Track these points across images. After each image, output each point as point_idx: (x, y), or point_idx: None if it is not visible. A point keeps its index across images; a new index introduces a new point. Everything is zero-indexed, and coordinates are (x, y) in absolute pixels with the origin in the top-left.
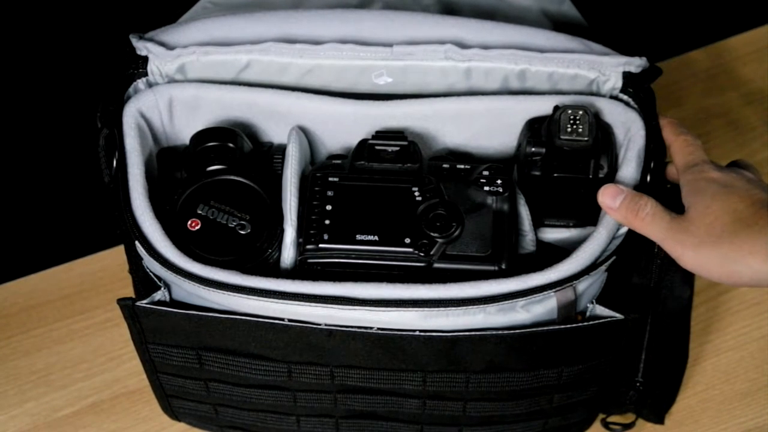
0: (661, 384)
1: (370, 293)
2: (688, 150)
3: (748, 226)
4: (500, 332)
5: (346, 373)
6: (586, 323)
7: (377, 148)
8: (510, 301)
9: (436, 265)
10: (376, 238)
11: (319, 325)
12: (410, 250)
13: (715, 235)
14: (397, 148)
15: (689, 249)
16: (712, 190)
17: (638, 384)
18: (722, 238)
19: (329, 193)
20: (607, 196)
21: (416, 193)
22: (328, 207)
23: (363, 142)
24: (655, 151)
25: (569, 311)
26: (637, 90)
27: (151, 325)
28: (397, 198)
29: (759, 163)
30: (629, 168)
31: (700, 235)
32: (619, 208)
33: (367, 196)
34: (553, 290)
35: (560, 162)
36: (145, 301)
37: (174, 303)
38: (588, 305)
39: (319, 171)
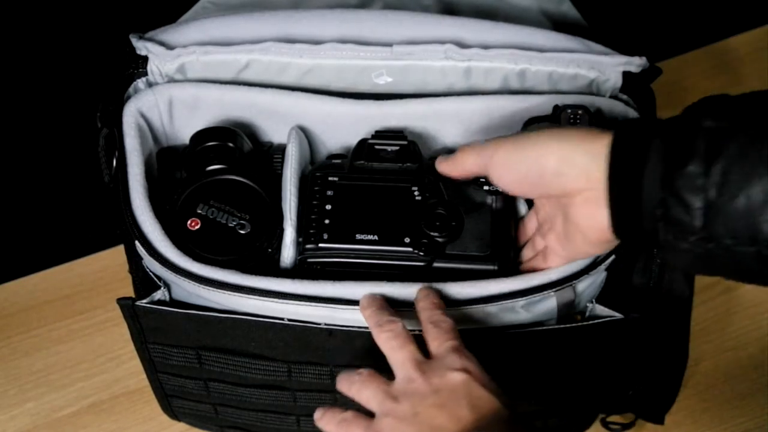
0: (661, 384)
1: (370, 293)
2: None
3: None
4: (500, 331)
5: None
6: (585, 323)
7: (377, 147)
8: (510, 300)
9: (435, 264)
10: (376, 237)
11: (319, 324)
12: (410, 249)
13: None
14: (397, 148)
15: None
16: None
17: (638, 384)
18: None
19: (329, 193)
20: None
21: (416, 193)
22: (328, 206)
23: (363, 142)
24: None
25: (569, 311)
26: (636, 90)
27: (151, 325)
28: (396, 197)
29: None
30: None
31: None
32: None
33: (366, 196)
34: (553, 290)
35: None
36: (145, 301)
37: (174, 303)
38: (588, 305)
39: (319, 170)
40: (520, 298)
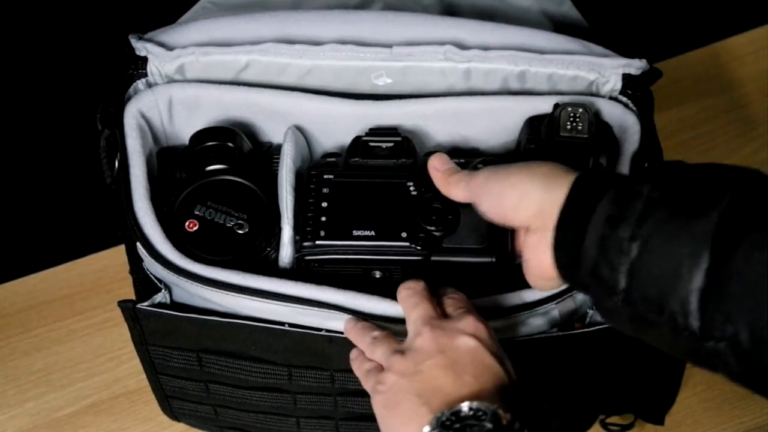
0: (661, 384)
1: (372, 306)
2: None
3: None
4: (504, 339)
5: (347, 377)
6: (586, 329)
7: (371, 144)
8: (512, 314)
9: (433, 258)
10: (373, 233)
11: (320, 331)
12: (407, 244)
13: None
14: (391, 144)
15: None
16: None
17: (638, 384)
18: None
19: (324, 190)
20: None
21: (411, 188)
22: (324, 204)
23: (357, 139)
24: (649, 153)
25: (570, 318)
26: (635, 92)
27: (151, 327)
28: (392, 193)
29: (760, 164)
30: (622, 169)
31: None
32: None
33: (362, 192)
34: (554, 302)
35: (559, 159)
36: (146, 304)
37: (175, 305)
38: (588, 311)
39: (314, 169)
40: (522, 312)
